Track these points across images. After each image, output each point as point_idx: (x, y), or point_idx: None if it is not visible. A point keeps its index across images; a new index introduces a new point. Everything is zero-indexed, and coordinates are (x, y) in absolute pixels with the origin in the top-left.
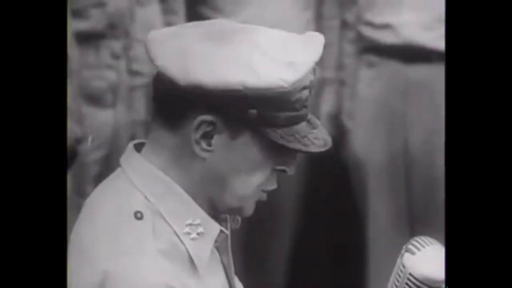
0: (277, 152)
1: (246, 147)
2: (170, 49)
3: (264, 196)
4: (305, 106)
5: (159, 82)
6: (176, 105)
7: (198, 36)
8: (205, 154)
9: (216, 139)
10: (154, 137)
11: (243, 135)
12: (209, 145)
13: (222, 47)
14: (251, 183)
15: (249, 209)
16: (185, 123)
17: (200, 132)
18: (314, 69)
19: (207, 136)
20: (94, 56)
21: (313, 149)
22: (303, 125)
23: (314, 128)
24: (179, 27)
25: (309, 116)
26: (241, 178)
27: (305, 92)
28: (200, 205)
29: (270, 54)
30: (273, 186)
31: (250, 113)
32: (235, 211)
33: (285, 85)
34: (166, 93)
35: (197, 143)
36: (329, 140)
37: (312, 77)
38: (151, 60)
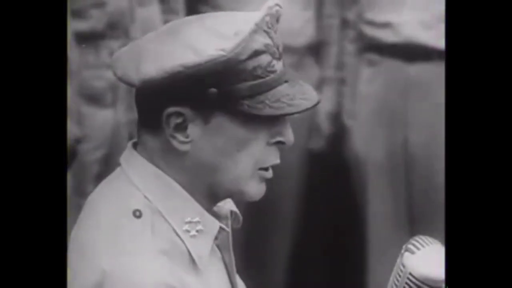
0: (261, 124)
1: (224, 128)
2: (128, 57)
3: (267, 174)
4: (273, 72)
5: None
6: (144, 108)
7: (151, 36)
8: (185, 147)
9: (191, 129)
10: (141, 141)
11: (216, 116)
12: (186, 136)
13: (166, 38)
14: (244, 162)
15: (253, 192)
16: (157, 122)
17: (171, 126)
18: (267, 32)
19: (181, 128)
20: (94, 56)
21: (289, 110)
22: (278, 89)
23: (292, 87)
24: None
25: (289, 78)
26: (232, 159)
27: (264, 58)
28: (200, 201)
29: (211, 29)
30: (274, 161)
31: (209, 92)
32: (238, 195)
33: (224, 53)
34: (136, 100)
35: (173, 137)
36: (313, 96)
37: (267, 41)
38: (114, 75)
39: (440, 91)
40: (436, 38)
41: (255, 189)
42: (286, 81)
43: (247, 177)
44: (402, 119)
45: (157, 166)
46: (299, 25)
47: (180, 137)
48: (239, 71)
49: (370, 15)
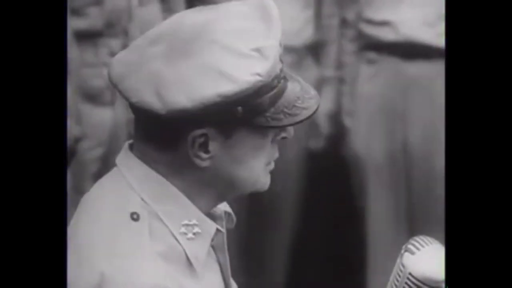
0: (273, 129)
1: (243, 140)
2: (140, 80)
3: (271, 167)
4: (282, 77)
5: (136, 110)
6: (163, 130)
7: (162, 56)
8: (205, 163)
9: (211, 146)
10: (144, 154)
11: (236, 131)
12: (207, 152)
13: (188, 61)
14: (258, 165)
15: (264, 185)
16: (177, 142)
17: (196, 146)
18: (280, 43)
19: (203, 146)
20: (92, 54)
21: (306, 114)
22: (287, 93)
23: (296, 87)
24: (137, 48)
25: (284, 73)
26: (248, 166)
27: (278, 67)
28: (198, 204)
29: (233, 47)
30: (276, 155)
31: (236, 111)
32: (249, 192)
33: (261, 78)
34: (149, 121)
35: (196, 156)
36: (314, 92)
37: (281, 51)
38: (125, 98)
39: (440, 90)
40: (436, 36)
41: (265, 183)
42: (285, 79)
43: (259, 176)
44: (402, 118)
45: (160, 172)
46: (298, 25)
47: (202, 155)
48: (263, 87)
49: (369, 14)
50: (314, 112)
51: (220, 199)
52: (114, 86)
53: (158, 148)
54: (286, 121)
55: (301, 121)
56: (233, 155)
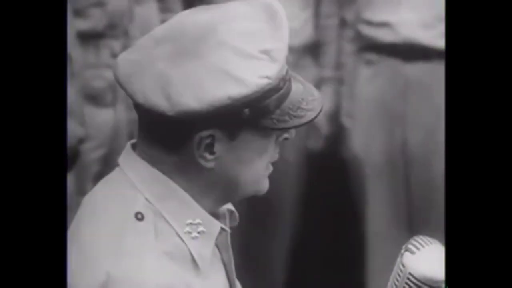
0: (277, 131)
1: (248, 141)
2: (147, 81)
3: (271, 168)
4: (288, 80)
5: (142, 110)
6: (169, 131)
7: (168, 57)
8: (210, 164)
9: (217, 147)
10: (147, 154)
11: (241, 132)
12: (212, 153)
13: (196, 63)
14: (262, 165)
15: (264, 186)
16: (182, 143)
17: (202, 147)
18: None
19: (208, 147)
20: (94, 55)
21: (311, 115)
22: (292, 95)
23: (298, 88)
24: (142, 48)
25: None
26: (252, 166)
27: (285, 69)
28: (202, 203)
29: (242, 49)
30: (276, 157)
31: (243, 113)
32: (251, 194)
33: (271, 81)
34: (154, 122)
35: (202, 157)
36: (317, 93)
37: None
38: (131, 97)
39: (440, 91)
40: (436, 37)
41: (264, 186)
42: (290, 80)
43: (262, 177)
44: (401, 119)
45: (165, 173)
46: (297, 25)
47: (207, 156)
48: (271, 90)
49: (368, 15)
50: (318, 114)
51: (223, 201)
52: (121, 86)
53: (163, 149)
54: (291, 123)
55: (307, 123)
56: (238, 156)
